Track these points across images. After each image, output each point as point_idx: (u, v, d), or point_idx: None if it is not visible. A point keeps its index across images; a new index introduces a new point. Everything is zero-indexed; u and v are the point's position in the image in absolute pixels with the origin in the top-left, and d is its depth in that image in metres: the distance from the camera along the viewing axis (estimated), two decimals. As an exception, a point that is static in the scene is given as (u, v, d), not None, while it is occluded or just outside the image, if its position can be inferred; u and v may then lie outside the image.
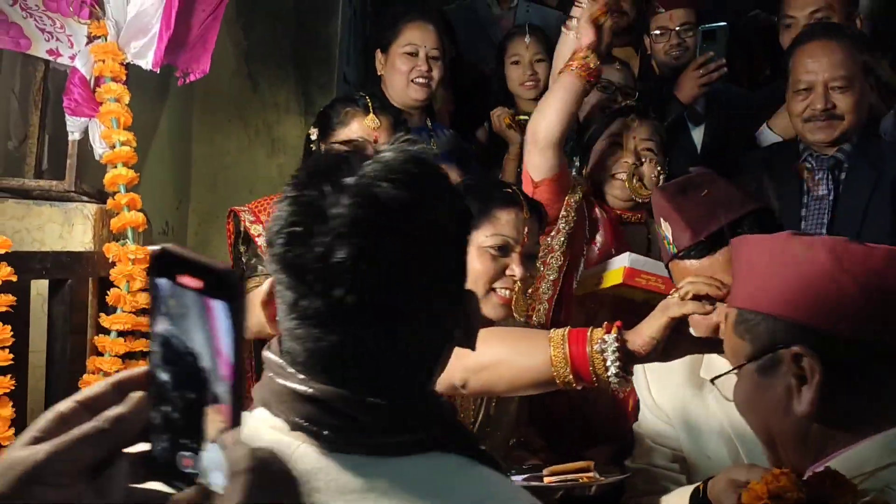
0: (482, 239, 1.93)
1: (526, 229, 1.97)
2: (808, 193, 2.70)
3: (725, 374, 1.21)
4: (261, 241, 2.38)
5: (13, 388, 2.06)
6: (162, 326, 0.71)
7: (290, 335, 0.94)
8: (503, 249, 1.95)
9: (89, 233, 2.41)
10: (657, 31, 3.32)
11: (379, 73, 3.03)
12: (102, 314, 2.36)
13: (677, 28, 3.25)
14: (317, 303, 0.90)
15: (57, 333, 2.29)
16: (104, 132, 2.42)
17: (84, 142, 2.50)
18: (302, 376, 0.93)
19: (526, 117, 3.13)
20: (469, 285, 1.81)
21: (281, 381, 0.94)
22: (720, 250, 1.72)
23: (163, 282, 0.70)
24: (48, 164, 2.65)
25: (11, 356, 2.05)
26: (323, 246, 0.89)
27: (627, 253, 2.29)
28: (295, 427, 0.92)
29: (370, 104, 2.47)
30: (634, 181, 2.55)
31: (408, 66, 2.93)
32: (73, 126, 2.45)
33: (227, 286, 0.68)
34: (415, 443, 0.93)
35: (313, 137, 2.59)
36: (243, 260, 2.46)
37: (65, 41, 2.45)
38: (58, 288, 2.29)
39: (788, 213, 2.66)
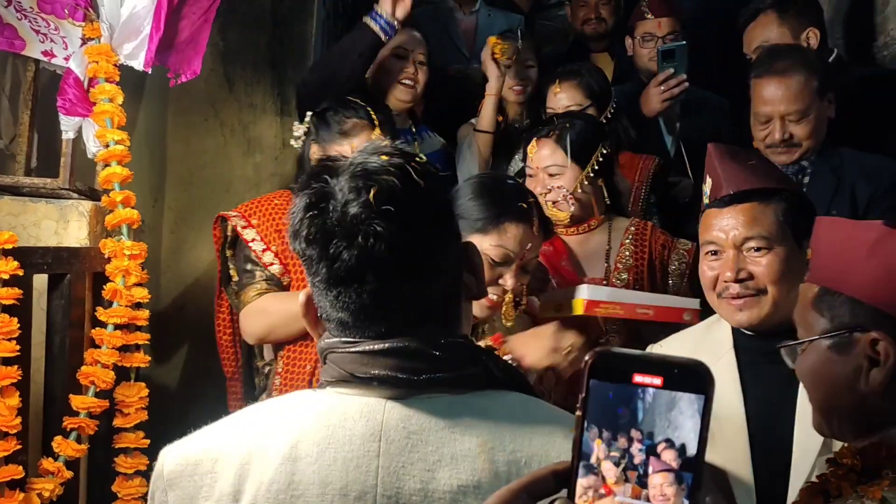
0: (486, 246, 1.94)
1: (529, 245, 2.01)
2: None
3: (796, 343, 1.31)
4: (255, 246, 2.43)
5: (19, 378, 2.12)
6: (601, 431, 0.70)
7: (338, 307, 1.06)
8: (503, 261, 2.00)
9: (84, 229, 2.48)
10: (642, 37, 3.43)
11: (366, 76, 3.10)
12: (99, 308, 2.43)
13: (663, 36, 3.37)
14: (350, 254, 1.02)
15: (56, 327, 2.35)
16: (99, 132, 2.49)
17: (74, 140, 2.57)
18: (369, 339, 1.05)
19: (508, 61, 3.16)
20: None
21: (353, 350, 1.05)
22: (743, 205, 1.84)
23: (602, 384, 0.70)
24: (37, 161, 2.71)
25: (18, 347, 2.11)
26: (338, 211, 1.03)
27: (586, 285, 2.22)
28: (381, 382, 1.03)
29: (375, 118, 2.55)
30: (550, 206, 2.48)
31: (397, 68, 3.03)
32: (67, 125, 2.51)
33: (700, 379, 0.69)
34: (486, 377, 1.06)
35: (297, 134, 2.65)
36: (230, 265, 2.53)
37: (59, 42, 2.51)
38: (56, 283, 2.35)
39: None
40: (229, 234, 2.52)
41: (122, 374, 2.47)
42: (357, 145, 2.45)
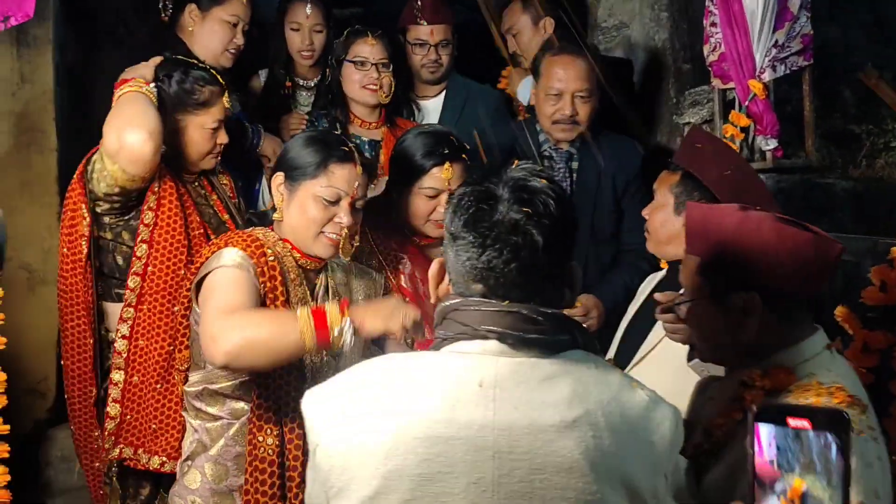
0: (318, 189, 2.15)
1: (357, 183, 2.19)
2: None
3: (688, 301, 1.65)
4: None
5: None
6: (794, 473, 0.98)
7: (477, 278, 1.34)
8: (334, 199, 2.17)
9: None
10: (414, 42, 3.47)
11: (189, 28, 3.06)
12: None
13: (436, 44, 3.44)
14: (503, 247, 1.33)
15: None
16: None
17: None
18: (496, 301, 1.34)
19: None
20: (302, 227, 2.19)
21: (482, 308, 1.33)
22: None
23: (773, 428, 0.97)
24: None
25: None
26: (502, 213, 1.33)
27: None
28: (498, 336, 1.32)
29: (222, 81, 2.54)
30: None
31: (227, 37, 3.06)
32: None
33: (838, 423, 0.96)
34: (571, 342, 1.37)
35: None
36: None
37: None
38: None
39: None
40: None
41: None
42: (214, 114, 2.50)
